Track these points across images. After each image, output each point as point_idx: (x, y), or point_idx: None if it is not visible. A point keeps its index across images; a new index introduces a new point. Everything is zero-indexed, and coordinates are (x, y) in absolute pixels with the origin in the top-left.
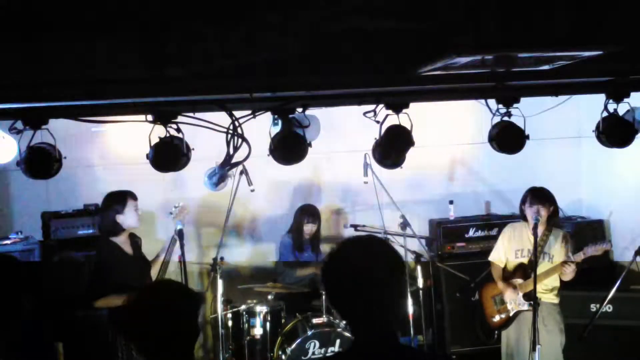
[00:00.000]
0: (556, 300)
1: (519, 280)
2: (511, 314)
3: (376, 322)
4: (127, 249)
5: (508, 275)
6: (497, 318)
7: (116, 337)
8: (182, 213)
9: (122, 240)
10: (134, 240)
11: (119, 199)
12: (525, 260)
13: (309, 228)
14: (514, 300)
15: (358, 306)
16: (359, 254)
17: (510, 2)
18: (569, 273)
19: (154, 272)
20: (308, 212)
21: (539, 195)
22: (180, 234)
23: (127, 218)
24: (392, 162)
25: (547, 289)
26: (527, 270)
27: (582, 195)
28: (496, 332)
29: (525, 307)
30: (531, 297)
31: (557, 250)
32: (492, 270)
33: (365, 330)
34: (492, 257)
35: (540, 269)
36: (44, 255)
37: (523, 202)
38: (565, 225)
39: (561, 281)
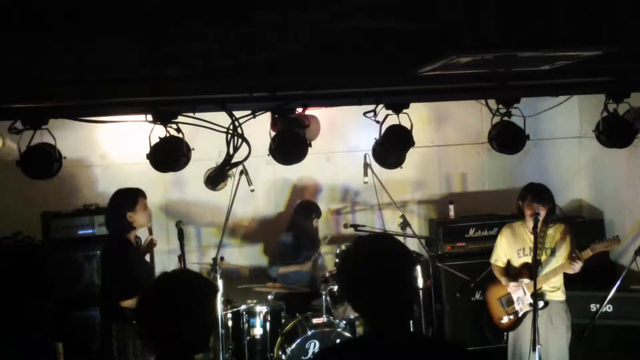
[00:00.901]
0: (563, 298)
1: (525, 280)
2: (520, 315)
3: (399, 315)
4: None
5: (515, 275)
6: (505, 320)
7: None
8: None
9: (131, 239)
10: (135, 240)
11: (131, 197)
12: (528, 259)
13: (316, 223)
14: (522, 301)
15: (381, 301)
16: (377, 251)
17: (510, 2)
18: (577, 269)
19: None
20: (314, 208)
21: (540, 195)
22: (180, 233)
23: (139, 217)
24: (392, 162)
25: (555, 287)
26: (532, 270)
27: (582, 195)
28: (505, 333)
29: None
30: (538, 296)
31: (560, 244)
32: (494, 271)
33: (388, 324)
34: (492, 259)
35: (549, 267)
36: (44, 255)
37: (522, 198)
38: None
39: (565, 278)
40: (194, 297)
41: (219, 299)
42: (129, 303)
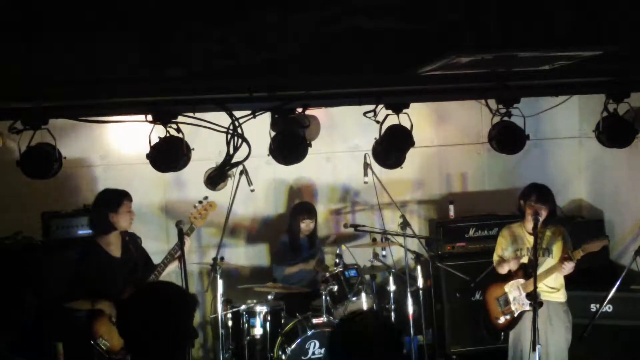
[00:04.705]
0: (563, 299)
1: (521, 280)
2: (515, 315)
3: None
4: (115, 250)
5: (510, 276)
6: (502, 319)
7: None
8: (206, 213)
9: (110, 241)
10: (126, 240)
11: (116, 198)
12: (525, 260)
13: (305, 225)
14: (517, 301)
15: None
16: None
17: (510, 2)
18: (568, 269)
19: (169, 272)
20: (303, 209)
21: (542, 195)
22: (180, 233)
23: (121, 219)
24: (392, 162)
25: (554, 288)
26: (528, 270)
27: (582, 195)
28: (502, 333)
29: (528, 307)
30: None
31: (556, 245)
32: (499, 268)
33: None
34: (494, 258)
35: (543, 267)
36: (44, 255)
37: (525, 197)
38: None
39: (565, 279)
40: (170, 308)
41: (219, 300)
42: (70, 305)
